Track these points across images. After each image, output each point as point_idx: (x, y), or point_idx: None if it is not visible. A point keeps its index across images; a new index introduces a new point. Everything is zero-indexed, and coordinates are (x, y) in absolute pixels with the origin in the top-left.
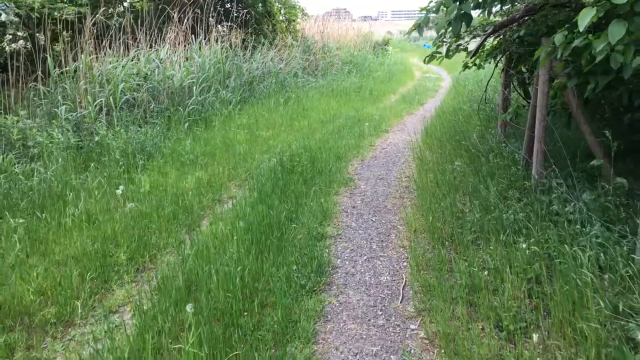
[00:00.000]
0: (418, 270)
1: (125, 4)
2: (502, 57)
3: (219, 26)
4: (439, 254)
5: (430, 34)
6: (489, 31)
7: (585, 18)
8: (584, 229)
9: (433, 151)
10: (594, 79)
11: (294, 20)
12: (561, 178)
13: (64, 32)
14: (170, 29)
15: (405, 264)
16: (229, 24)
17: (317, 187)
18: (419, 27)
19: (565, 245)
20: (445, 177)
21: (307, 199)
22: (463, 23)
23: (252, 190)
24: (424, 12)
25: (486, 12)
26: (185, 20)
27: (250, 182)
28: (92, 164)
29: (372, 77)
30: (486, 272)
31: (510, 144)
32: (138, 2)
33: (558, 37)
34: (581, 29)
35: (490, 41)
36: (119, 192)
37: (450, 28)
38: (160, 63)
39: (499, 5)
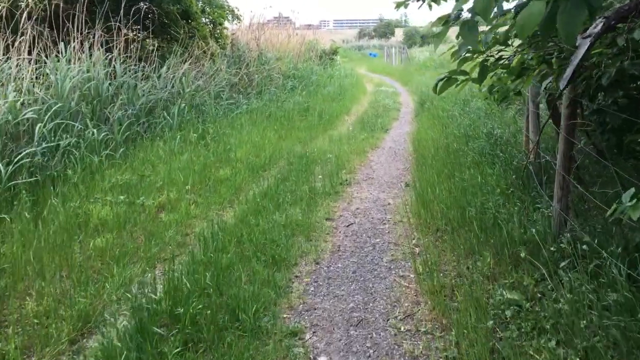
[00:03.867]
0: None
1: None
2: (573, 79)
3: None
4: None
5: (374, 42)
6: (599, 28)
7: None
8: None
9: (439, 242)
10: None
11: (220, 24)
12: None
13: None
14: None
15: None
16: (118, 24)
17: None
18: (471, 26)
19: None
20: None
21: None
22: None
23: None
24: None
25: None
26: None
27: None
28: None
29: (320, 94)
30: None
31: (607, 254)
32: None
33: None
34: None
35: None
36: None
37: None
38: None
39: None
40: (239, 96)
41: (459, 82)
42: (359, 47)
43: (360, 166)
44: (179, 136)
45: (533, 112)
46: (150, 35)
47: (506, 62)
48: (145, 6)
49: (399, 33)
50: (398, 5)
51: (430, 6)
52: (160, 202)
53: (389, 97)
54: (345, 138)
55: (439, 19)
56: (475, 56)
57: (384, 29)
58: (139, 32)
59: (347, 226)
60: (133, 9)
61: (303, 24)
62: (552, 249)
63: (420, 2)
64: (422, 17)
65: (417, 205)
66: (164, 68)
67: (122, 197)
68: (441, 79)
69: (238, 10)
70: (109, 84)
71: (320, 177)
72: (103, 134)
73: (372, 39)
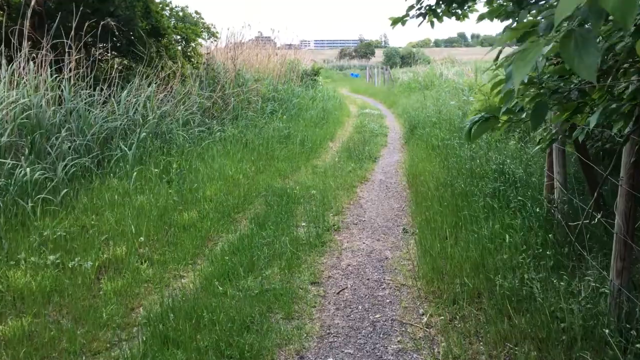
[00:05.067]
0: None
1: None
2: None
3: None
4: None
5: (354, 62)
6: None
7: None
8: None
9: (459, 321)
10: None
11: (194, 40)
12: None
13: None
14: None
15: None
16: (69, 42)
17: None
18: (584, 39)
19: None
20: None
21: None
22: None
23: None
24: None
25: None
26: None
27: None
28: None
29: (302, 119)
30: None
31: None
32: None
33: None
34: None
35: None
36: None
37: None
38: None
39: None
40: (212, 122)
41: (500, 124)
42: (340, 67)
43: (349, 205)
44: (135, 172)
45: (559, 150)
46: (111, 54)
47: (567, 94)
48: (104, 22)
49: (379, 53)
50: (395, 22)
51: (432, 23)
52: (103, 262)
53: (375, 120)
54: (331, 169)
55: (514, 30)
56: (530, 89)
57: (365, 50)
58: (105, 51)
59: (338, 293)
60: (87, 24)
61: (284, 44)
62: (615, 340)
63: (421, 19)
64: (401, 39)
65: (425, 266)
66: (125, 91)
67: (51, 258)
68: (476, 121)
69: (214, 27)
70: (56, 110)
71: (304, 223)
72: (39, 173)
73: (352, 59)
